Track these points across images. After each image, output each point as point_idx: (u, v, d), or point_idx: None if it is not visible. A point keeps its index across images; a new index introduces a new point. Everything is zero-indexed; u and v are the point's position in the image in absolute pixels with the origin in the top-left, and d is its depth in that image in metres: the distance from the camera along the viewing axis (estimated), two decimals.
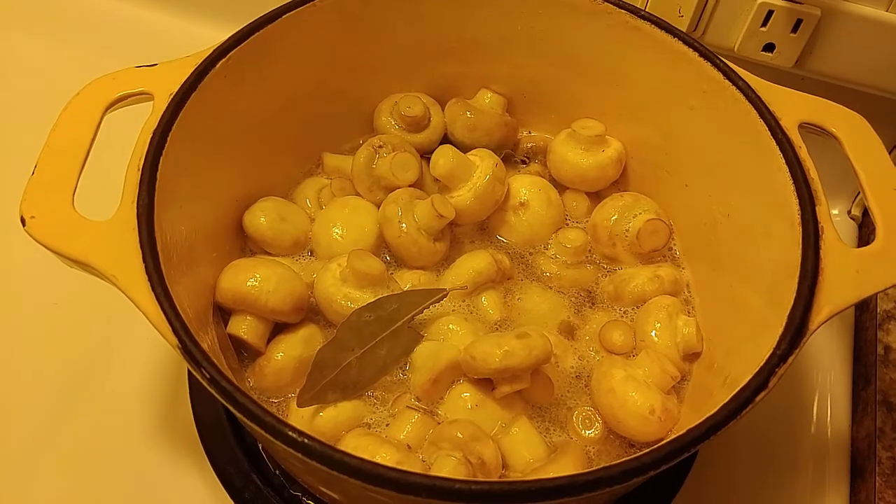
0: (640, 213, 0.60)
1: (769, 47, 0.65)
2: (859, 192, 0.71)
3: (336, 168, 0.64)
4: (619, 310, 0.59)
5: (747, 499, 0.62)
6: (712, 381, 0.52)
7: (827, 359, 0.68)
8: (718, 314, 0.56)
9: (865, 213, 0.74)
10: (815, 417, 0.65)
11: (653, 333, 0.56)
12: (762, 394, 0.40)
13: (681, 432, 0.39)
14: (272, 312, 0.52)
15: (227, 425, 0.57)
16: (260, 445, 0.57)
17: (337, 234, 0.57)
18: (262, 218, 0.57)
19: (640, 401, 0.50)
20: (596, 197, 0.64)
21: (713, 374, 0.53)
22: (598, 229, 0.61)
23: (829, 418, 0.65)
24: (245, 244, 0.59)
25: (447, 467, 0.46)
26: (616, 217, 0.60)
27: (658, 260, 0.61)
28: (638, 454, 0.39)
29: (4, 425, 0.61)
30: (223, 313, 0.55)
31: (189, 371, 0.60)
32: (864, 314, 0.69)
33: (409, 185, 0.59)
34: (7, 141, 0.76)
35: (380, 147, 0.60)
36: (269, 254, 0.58)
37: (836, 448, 0.64)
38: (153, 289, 0.41)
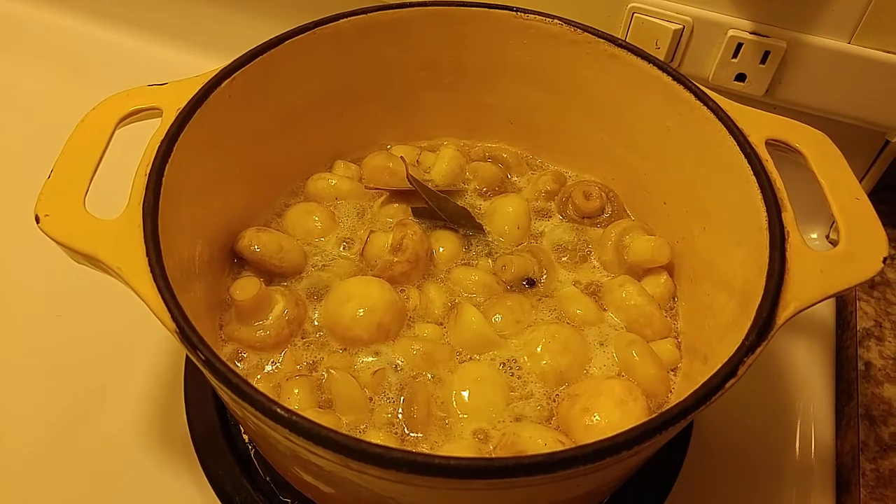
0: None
1: (741, 77, 0.69)
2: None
3: (316, 191, 0.66)
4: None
5: None
6: (692, 388, 0.54)
7: (809, 377, 0.69)
8: (698, 321, 0.58)
9: None
10: (798, 434, 0.67)
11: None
12: (731, 381, 0.42)
13: (643, 420, 0.41)
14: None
15: (221, 432, 0.59)
16: (251, 451, 0.58)
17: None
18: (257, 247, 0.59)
19: None
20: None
21: (694, 381, 0.55)
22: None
23: (812, 434, 0.66)
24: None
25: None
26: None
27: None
28: (612, 434, 0.40)
29: (1, 432, 0.62)
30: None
31: (185, 380, 0.62)
32: (844, 332, 0.71)
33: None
34: (21, 161, 0.80)
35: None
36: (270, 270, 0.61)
37: (820, 462, 0.65)
38: (154, 280, 0.43)
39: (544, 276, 0.63)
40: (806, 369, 0.70)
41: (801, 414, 0.68)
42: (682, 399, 0.42)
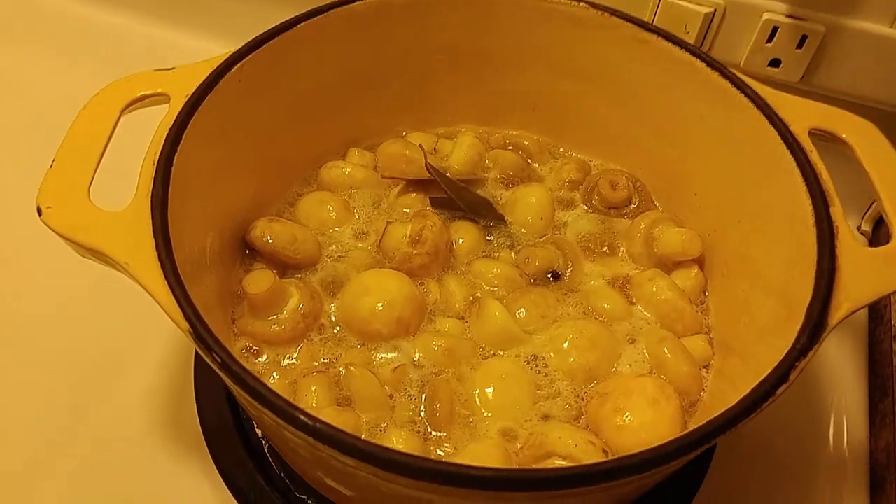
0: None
1: (775, 62, 0.66)
2: (868, 209, 0.73)
3: (330, 180, 0.63)
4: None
5: None
6: (727, 387, 0.52)
7: (841, 373, 0.67)
8: (731, 317, 0.56)
9: (876, 227, 0.73)
10: (831, 432, 0.64)
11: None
12: (783, 387, 0.40)
13: (690, 429, 0.39)
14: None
15: (233, 426, 0.56)
16: (265, 447, 0.56)
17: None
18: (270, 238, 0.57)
19: None
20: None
21: (727, 378, 0.53)
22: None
23: (845, 432, 0.64)
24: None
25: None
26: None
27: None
28: (658, 444, 0.38)
29: (11, 427, 0.60)
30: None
31: (195, 373, 0.60)
32: (878, 326, 0.68)
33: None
34: (21, 150, 0.77)
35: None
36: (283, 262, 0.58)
37: (854, 460, 0.62)
38: (165, 276, 0.41)
39: (570, 269, 0.60)
40: (838, 365, 0.67)
41: (833, 411, 0.65)
42: (730, 406, 0.39)
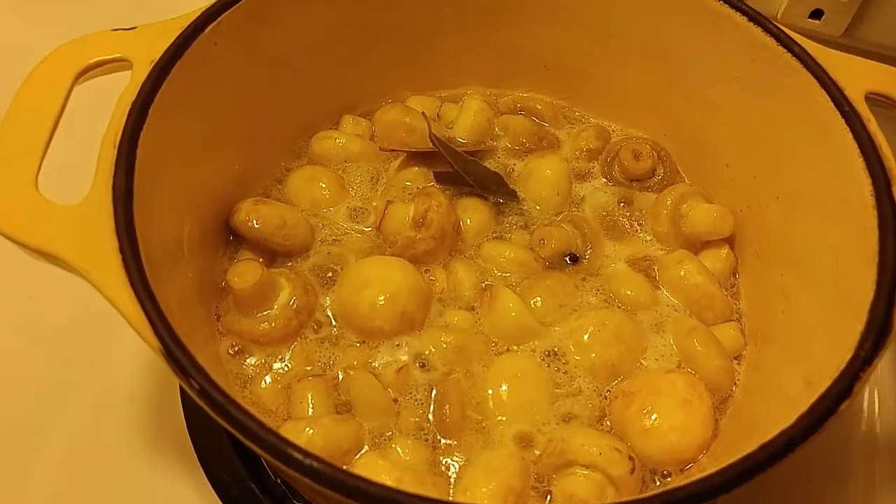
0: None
1: (817, 13, 0.60)
2: None
3: (322, 152, 0.57)
4: None
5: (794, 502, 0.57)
6: (767, 384, 0.47)
7: None
8: (766, 304, 0.51)
9: None
10: (864, 414, 0.60)
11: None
12: (846, 402, 0.35)
13: (752, 449, 0.34)
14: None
15: (224, 432, 0.51)
16: None
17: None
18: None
19: None
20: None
21: (764, 373, 0.48)
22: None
23: (877, 414, 0.60)
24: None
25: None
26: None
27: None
28: (703, 476, 0.33)
29: None
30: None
31: None
32: None
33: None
34: None
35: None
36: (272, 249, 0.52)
37: (887, 446, 0.59)
38: (132, 284, 0.35)
39: (589, 251, 0.54)
40: None
41: (865, 396, 0.61)
42: (787, 427, 0.34)
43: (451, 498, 0.43)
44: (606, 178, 0.59)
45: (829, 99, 0.45)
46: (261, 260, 0.51)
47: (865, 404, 0.61)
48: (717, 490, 0.33)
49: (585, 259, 0.54)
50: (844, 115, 0.44)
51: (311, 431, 0.42)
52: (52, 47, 0.44)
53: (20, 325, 0.60)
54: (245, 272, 0.47)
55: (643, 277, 0.53)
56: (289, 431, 0.42)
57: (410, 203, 0.52)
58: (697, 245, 0.55)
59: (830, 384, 0.36)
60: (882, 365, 0.62)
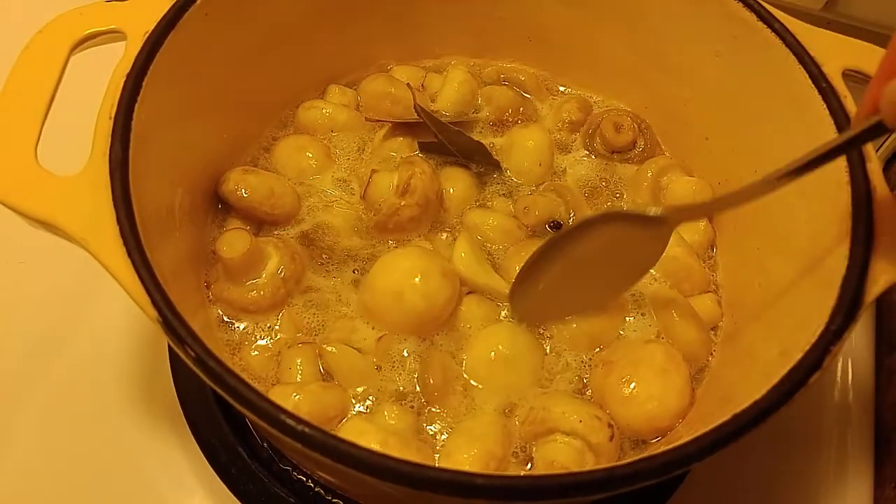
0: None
1: None
2: (881, 145, 0.68)
3: (308, 122, 0.58)
4: None
5: (767, 470, 0.58)
6: (742, 355, 0.49)
7: None
8: (743, 276, 0.53)
9: (887, 167, 0.69)
10: (838, 383, 0.62)
11: None
12: (816, 374, 0.37)
13: (725, 419, 0.35)
14: None
15: (212, 395, 0.52)
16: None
17: None
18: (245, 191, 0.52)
19: None
20: None
21: (740, 344, 0.50)
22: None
23: (850, 383, 0.62)
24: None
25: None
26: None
27: None
28: (676, 445, 0.35)
29: None
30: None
31: None
32: None
33: None
34: None
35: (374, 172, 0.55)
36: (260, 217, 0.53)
37: (859, 417, 0.60)
38: (129, 254, 0.36)
39: (572, 218, 0.55)
40: None
41: (839, 366, 0.62)
42: (759, 398, 0.36)
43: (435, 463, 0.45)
44: (588, 149, 0.60)
45: (806, 75, 0.46)
46: (248, 229, 0.51)
47: (839, 374, 0.62)
48: (690, 458, 0.34)
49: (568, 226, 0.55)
50: (821, 91, 0.45)
51: (297, 397, 0.44)
52: (48, 17, 0.44)
53: (11, 289, 0.61)
54: (234, 241, 0.48)
55: None
56: (276, 396, 0.43)
57: (395, 172, 0.53)
58: None
59: (801, 357, 0.37)
60: (856, 334, 0.63)
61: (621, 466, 0.33)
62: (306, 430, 0.32)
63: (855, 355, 0.63)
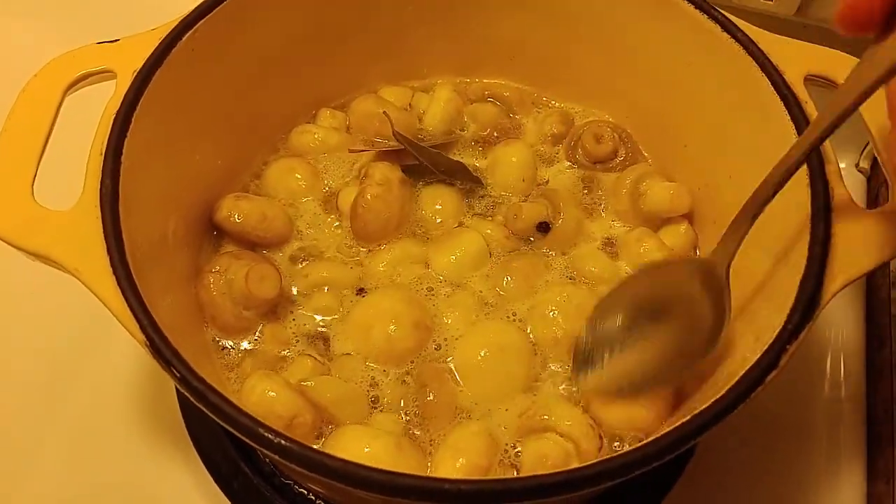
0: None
1: None
2: (868, 144, 0.69)
3: (300, 146, 0.60)
4: None
5: (759, 466, 0.59)
6: (724, 353, 0.50)
7: (836, 320, 0.65)
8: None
9: (874, 165, 0.70)
10: (828, 377, 0.63)
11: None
12: (773, 373, 0.38)
13: (682, 420, 0.37)
14: None
15: None
16: None
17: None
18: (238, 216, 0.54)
19: None
20: None
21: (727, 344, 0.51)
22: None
23: (842, 378, 0.62)
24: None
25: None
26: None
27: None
28: (628, 450, 0.36)
29: None
30: None
31: None
32: (876, 272, 0.66)
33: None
34: None
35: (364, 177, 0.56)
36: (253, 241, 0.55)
37: (851, 412, 0.61)
38: (118, 282, 0.38)
39: (560, 220, 0.56)
40: (833, 312, 0.65)
41: (829, 357, 0.63)
42: (715, 399, 0.37)
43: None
44: (571, 161, 0.61)
45: (769, 83, 0.47)
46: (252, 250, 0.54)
47: (830, 369, 0.63)
48: (650, 459, 0.36)
49: (557, 226, 0.56)
50: (783, 97, 0.47)
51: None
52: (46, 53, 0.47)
53: (22, 315, 0.63)
54: (264, 277, 0.50)
55: (606, 256, 0.56)
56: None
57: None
58: (658, 222, 0.57)
59: (758, 357, 0.38)
60: (847, 327, 0.64)
61: (600, 462, 0.35)
62: (283, 442, 0.34)
63: (846, 351, 0.64)
